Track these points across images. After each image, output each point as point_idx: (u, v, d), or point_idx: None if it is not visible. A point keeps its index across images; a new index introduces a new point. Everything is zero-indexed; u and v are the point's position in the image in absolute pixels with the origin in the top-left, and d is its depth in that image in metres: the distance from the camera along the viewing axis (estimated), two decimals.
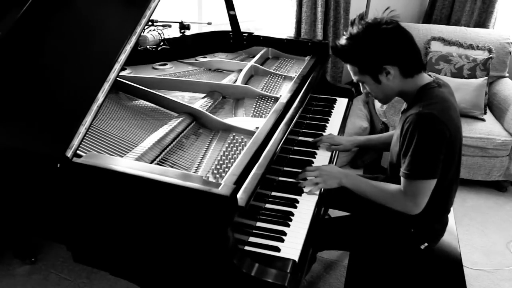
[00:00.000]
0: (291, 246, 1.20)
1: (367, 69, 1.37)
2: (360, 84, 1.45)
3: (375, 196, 1.43)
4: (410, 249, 1.51)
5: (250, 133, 1.40)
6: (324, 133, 1.87)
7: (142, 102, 1.63)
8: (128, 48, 1.19)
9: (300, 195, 1.42)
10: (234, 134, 1.44)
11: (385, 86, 1.39)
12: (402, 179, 1.36)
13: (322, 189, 1.46)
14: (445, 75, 2.89)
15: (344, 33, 1.39)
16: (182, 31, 2.19)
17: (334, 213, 1.96)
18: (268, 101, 1.73)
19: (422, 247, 1.49)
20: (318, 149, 1.74)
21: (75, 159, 1.08)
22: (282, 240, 1.22)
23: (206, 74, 2.06)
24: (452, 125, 1.31)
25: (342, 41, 1.39)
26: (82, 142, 1.12)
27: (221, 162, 1.28)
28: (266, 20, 3.38)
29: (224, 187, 1.00)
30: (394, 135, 1.50)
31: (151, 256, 1.15)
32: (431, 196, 1.35)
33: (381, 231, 1.52)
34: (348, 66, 1.42)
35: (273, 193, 1.42)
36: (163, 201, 1.06)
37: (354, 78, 1.44)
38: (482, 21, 3.25)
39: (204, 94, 1.75)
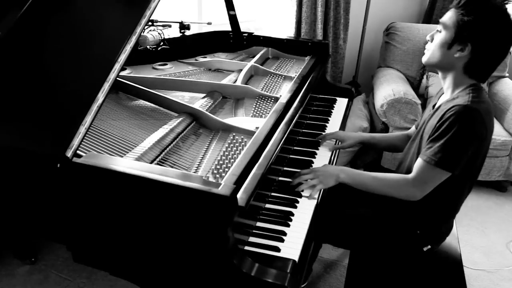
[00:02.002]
0: (291, 246, 1.20)
1: (461, 27, 1.30)
2: (435, 31, 1.39)
3: (376, 186, 1.40)
4: (413, 251, 1.50)
5: (250, 133, 1.40)
6: (324, 133, 1.87)
7: (142, 102, 1.63)
8: (128, 48, 1.19)
9: (300, 197, 1.42)
10: (234, 134, 1.44)
11: (448, 54, 1.33)
12: (421, 162, 1.32)
13: (322, 189, 1.45)
14: None
15: None
16: (182, 31, 2.19)
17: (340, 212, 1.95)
18: (268, 101, 1.73)
19: (425, 249, 1.48)
20: (318, 149, 1.74)
21: (75, 159, 1.08)
22: (282, 240, 1.22)
23: (206, 74, 2.06)
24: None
25: None
26: (82, 142, 1.12)
27: (221, 162, 1.28)
28: (266, 20, 3.38)
29: (224, 187, 1.00)
30: (427, 127, 1.41)
31: (151, 256, 1.15)
32: (443, 197, 1.34)
33: (385, 231, 1.52)
34: (453, 10, 1.34)
35: (273, 193, 1.42)
36: (163, 201, 1.06)
37: (442, 20, 1.36)
38: None
39: (204, 94, 1.75)
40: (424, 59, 1.42)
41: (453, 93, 1.38)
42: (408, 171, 1.45)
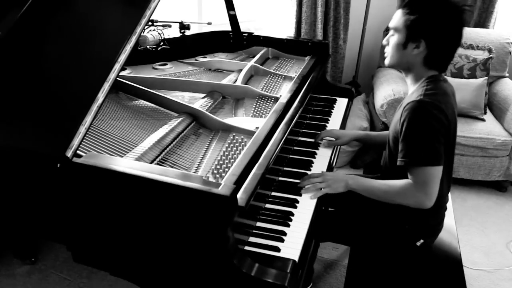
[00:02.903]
0: (291, 246, 1.20)
1: (410, 27, 1.34)
2: (387, 35, 1.43)
3: (384, 194, 1.40)
4: (406, 246, 1.51)
5: (250, 133, 1.40)
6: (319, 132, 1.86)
7: (142, 102, 1.63)
8: (128, 48, 1.19)
9: (300, 195, 1.42)
10: (234, 134, 1.44)
11: (405, 53, 1.38)
12: (405, 167, 1.34)
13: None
14: (445, 75, 2.89)
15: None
16: (182, 31, 2.19)
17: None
18: (268, 101, 1.73)
19: (418, 243, 1.49)
20: (318, 149, 1.74)
21: (75, 159, 1.08)
22: (282, 240, 1.22)
23: (206, 74, 2.06)
24: (449, 116, 1.32)
25: None
26: (82, 142, 1.12)
27: (221, 162, 1.28)
28: (266, 20, 3.38)
29: (224, 187, 1.00)
30: (392, 123, 1.48)
31: (151, 256, 1.15)
32: None
33: (377, 227, 1.52)
34: (399, 11, 1.38)
35: (273, 193, 1.42)
36: (163, 201, 1.06)
37: (391, 24, 1.40)
38: (482, 21, 3.25)
39: (204, 94, 1.75)
40: (386, 62, 1.47)
41: (414, 87, 1.42)
42: (386, 163, 1.49)
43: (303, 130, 1.86)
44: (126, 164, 1.10)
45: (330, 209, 1.71)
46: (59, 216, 1.22)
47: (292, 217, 1.32)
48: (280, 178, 1.50)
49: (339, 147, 1.85)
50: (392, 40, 1.41)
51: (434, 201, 1.35)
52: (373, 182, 1.44)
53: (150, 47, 1.99)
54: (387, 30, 1.43)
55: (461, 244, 1.86)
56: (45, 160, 1.12)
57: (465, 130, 2.67)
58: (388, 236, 1.51)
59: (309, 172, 1.55)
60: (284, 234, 1.25)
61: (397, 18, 1.39)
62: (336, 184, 1.43)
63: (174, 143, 1.38)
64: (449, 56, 1.39)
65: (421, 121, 1.29)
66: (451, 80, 2.79)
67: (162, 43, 2.04)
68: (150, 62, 2.07)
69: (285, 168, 1.57)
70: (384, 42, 1.45)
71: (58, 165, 1.07)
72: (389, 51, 1.43)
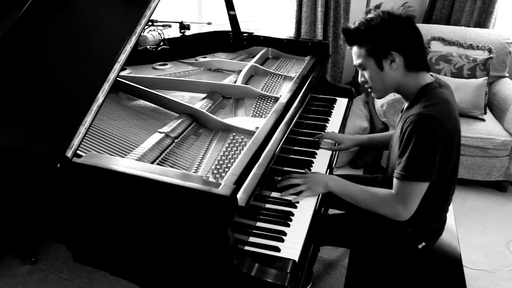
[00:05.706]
0: (291, 246, 1.20)
1: (375, 51, 1.34)
2: (359, 71, 1.43)
3: (363, 199, 1.40)
4: (407, 248, 1.51)
5: (250, 133, 1.40)
6: (322, 133, 1.87)
7: (142, 102, 1.63)
8: (128, 48, 1.19)
9: None
10: (234, 134, 1.44)
11: (386, 74, 1.37)
12: (395, 180, 1.34)
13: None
14: (445, 75, 2.89)
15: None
16: (182, 31, 2.19)
17: (334, 213, 1.96)
18: (268, 101, 1.73)
19: (420, 246, 1.49)
20: (318, 149, 1.74)
21: (75, 159, 1.08)
22: (282, 240, 1.22)
23: (206, 74, 2.06)
24: (451, 126, 1.31)
25: (356, 24, 1.37)
26: (82, 142, 1.12)
27: (221, 162, 1.28)
28: (266, 20, 3.38)
29: (224, 187, 1.00)
30: (394, 135, 1.48)
31: (151, 256, 1.15)
32: (428, 195, 1.34)
33: (378, 230, 1.52)
34: (354, 49, 1.39)
35: (273, 193, 1.42)
36: (163, 201, 1.06)
37: (357, 62, 1.40)
38: (482, 21, 3.25)
39: (205, 95, 1.75)
40: (379, 96, 1.47)
41: (410, 97, 1.41)
42: (393, 168, 1.47)
43: (303, 130, 1.86)
44: (126, 164, 1.10)
45: (330, 212, 1.71)
46: (59, 216, 1.22)
47: (292, 217, 1.32)
48: (280, 178, 1.50)
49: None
50: (367, 73, 1.40)
51: (430, 205, 1.36)
52: (354, 187, 1.43)
53: (150, 47, 1.99)
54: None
55: (461, 244, 1.86)
56: (45, 160, 1.12)
57: (465, 130, 2.67)
58: (391, 239, 1.51)
59: None
60: (284, 234, 1.25)
61: (356, 54, 1.39)
62: (315, 186, 1.42)
63: (174, 143, 1.38)
64: (422, 51, 1.38)
65: (419, 136, 1.28)
66: (451, 80, 2.80)
67: (162, 43, 2.04)
68: (150, 62, 2.07)
69: (285, 168, 1.57)
70: (361, 79, 1.44)
71: (58, 165, 1.07)
72: (372, 85, 1.42)
